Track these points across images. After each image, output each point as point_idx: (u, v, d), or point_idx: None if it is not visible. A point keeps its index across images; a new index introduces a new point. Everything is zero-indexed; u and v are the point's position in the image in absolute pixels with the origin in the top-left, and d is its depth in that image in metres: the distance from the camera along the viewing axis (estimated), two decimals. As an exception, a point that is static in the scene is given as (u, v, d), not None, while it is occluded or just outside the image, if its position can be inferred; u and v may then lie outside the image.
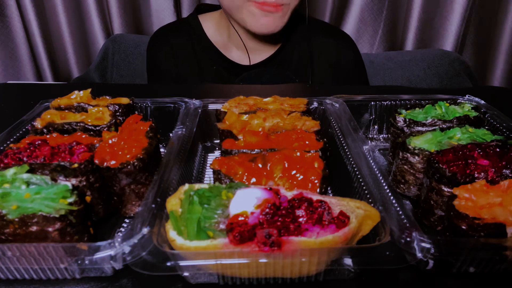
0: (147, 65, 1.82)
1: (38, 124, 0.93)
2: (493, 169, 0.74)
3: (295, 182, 0.73)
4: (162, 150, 0.93)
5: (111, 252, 0.61)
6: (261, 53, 1.70)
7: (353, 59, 1.75)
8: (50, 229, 0.65)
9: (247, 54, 1.68)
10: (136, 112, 1.08)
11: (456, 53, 2.24)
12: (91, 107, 1.00)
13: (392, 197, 0.72)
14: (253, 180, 0.74)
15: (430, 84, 2.09)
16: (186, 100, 1.12)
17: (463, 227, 0.66)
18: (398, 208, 0.69)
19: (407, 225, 0.65)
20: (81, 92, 1.05)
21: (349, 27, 2.40)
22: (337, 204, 0.67)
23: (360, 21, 2.37)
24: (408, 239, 0.62)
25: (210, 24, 1.73)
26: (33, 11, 2.19)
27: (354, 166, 0.84)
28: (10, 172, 0.71)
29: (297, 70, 1.72)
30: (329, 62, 1.73)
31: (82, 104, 1.01)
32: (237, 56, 1.71)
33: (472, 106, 1.03)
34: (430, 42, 2.39)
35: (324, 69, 1.73)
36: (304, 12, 1.66)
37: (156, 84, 1.75)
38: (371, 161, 0.83)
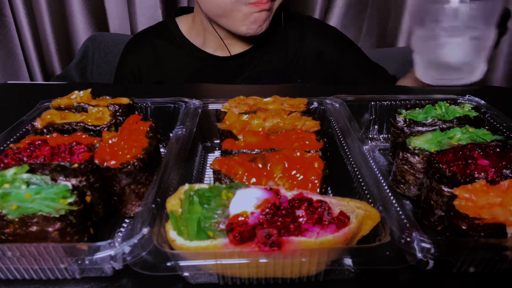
0: (119, 69, 1.84)
1: (38, 124, 0.93)
2: (493, 169, 0.74)
3: (295, 182, 0.73)
4: (162, 150, 0.93)
5: (111, 252, 0.61)
6: (237, 50, 1.74)
7: (329, 44, 1.76)
8: (50, 229, 0.65)
9: (226, 49, 1.72)
10: (136, 112, 1.07)
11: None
12: (91, 107, 1.00)
13: (392, 197, 0.72)
14: (253, 180, 0.74)
15: (404, 81, 2.11)
16: (186, 100, 1.12)
17: (463, 227, 0.66)
18: (398, 208, 0.69)
19: (407, 225, 0.65)
20: (81, 92, 1.05)
21: (333, 24, 2.38)
22: (337, 204, 0.67)
23: (344, 18, 2.37)
24: (408, 239, 0.62)
25: (185, 26, 1.77)
26: (23, 9, 2.18)
27: (354, 166, 0.84)
28: (10, 172, 0.71)
29: (274, 62, 1.74)
30: (307, 52, 1.75)
31: (82, 104, 1.01)
32: (215, 50, 1.75)
33: (472, 106, 1.03)
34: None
35: (304, 58, 1.75)
36: (286, 8, 1.69)
37: (157, 84, 1.75)
38: (371, 161, 0.83)
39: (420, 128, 0.95)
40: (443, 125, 0.94)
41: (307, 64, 1.75)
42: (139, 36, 1.87)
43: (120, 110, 1.00)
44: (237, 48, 1.73)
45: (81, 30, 2.35)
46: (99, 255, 0.61)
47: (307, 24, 1.78)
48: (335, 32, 1.84)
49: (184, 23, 1.78)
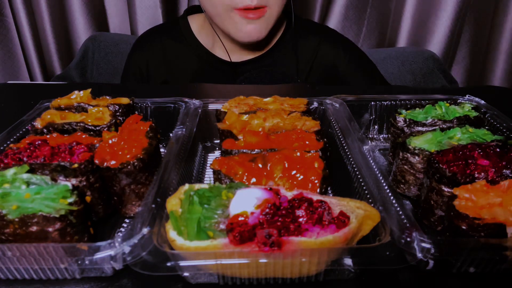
0: (128, 65, 1.83)
1: (38, 124, 0.93)
2: (493, 169, 0.74)
3: (295, 182, 0.73)
4: (162, 150, 0.93)
5: (111, 252, 0.61)
6: (246, 56, 1.71)
7: (344, 57, 1.73)
8: (50, 229, 0.65)
9: (236, 52, 1.70)
10: (136, 112, 1.07)
11: (431, 51, 2.24)
12: (91, 107, 1.00)
13: (392, 197, 0.72)
14: (253, 180, 0.74)
15: (404, 81, 2.11)
16: (186, 100, 1.12)
17: (463, 227, 0.66)
18: (398, 208, 0.69)
19: (407, 225, 0.65)
20: (81, 92, 1.05)
21: (333, 25, 2.39)
22: (337, 204, 0.67)
23: (344, 19, 2.37)
24: (408, 239, 0.62)
25: (196, 26, 1.75)
26: (23, 9, 2.18)
27: (354, 166, 0.84)
28: (10, 172, 0.71)
29: (285, 70, 1.72)
30: (319, 63, 1.73)
31: (82, 104, 1.01)
32: (222, 54, 1.72)
33: (472, 106, 1.03)
34: (422, 41, 2.39)
35: (315, 69, 1.73)
36: (291, 13, 1.66)
37: (157, 84, 1.75)
38: (371, 161, 0.83)
39: (420, 128, 0.95)
40: (443, 125, 0.94)
41: (317, 75, 1.73)
42: (149, 34, 1.84)
43: (120, 110, 1.00)
44: (249, 53, 1.70)
45: (81, 30, 2.35)
46: (99, 255, 0.61)
47: (321, 35, 1.74)
48: (350, 45, 1.80)
49: (195, 23, 1.76)
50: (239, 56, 1.71)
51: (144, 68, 1.76)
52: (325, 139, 0.85)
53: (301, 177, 0.73)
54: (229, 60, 1.69)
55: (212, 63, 1.72)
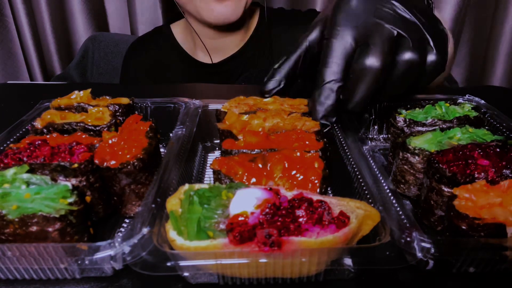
0: (123, 75, 1.88)
1: (38, 124, 0.93)
2: (493, 169, 0.74)
3: (295, 182, 0.73)
4: (162, 150, 0.93)
5: (111, 252, 0.61)
6: (225, 52, 1.73)
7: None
8: (50, 229, 0.65)
9: (208, 55, 1.72)
10: (136, 112, 1.07)
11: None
12: (91, 107, 1.00)
13: (392, 197, 0.72)
14: (253, 180, 0.74)
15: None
16: (186, 100, 1.12)
17: (463, 227, 0.66)
18: (398, 208, 0.69)
19: (407, 225, 0.65)
20: (81, 92, 1.05)
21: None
22: (337, 204, 0.67)
23: None
24: (408, 239, 0.62)
25: (178, 31, 1.79)
26: (23, 9, 2.18)
27: (354, 166, 0.84)
28: (10, 172, 0.71)
29: (263, 64, 1.73)
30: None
31: (82, 104, 1.01)
32: (205, 57, 1.76)
33: (472, 106, 1.03)
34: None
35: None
36: (264, 4, 1.69)
37: (157, 84, 1.76)
38: (371, 161, 0.83)
39: (420, 128, 0.95)
40: (443, 125, 0.94)
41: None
42: (136, 44, 1.90)
43: (120, 110, 1.00)
44: (227, 51, 1.73)
45: (81, 30, 2.36)
46: (99, 255, 0.61)
47: (291, 19, 1.76)
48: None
49: (177, 29, 1.80)
50: (221, 54, 1.73)
51: (135, 80, 1.82)
52: (325, 139, 0.85)
53: (301, 177, 0.73)
54: (211, 62, 1.72)
55: (196, 68, 1.75)
